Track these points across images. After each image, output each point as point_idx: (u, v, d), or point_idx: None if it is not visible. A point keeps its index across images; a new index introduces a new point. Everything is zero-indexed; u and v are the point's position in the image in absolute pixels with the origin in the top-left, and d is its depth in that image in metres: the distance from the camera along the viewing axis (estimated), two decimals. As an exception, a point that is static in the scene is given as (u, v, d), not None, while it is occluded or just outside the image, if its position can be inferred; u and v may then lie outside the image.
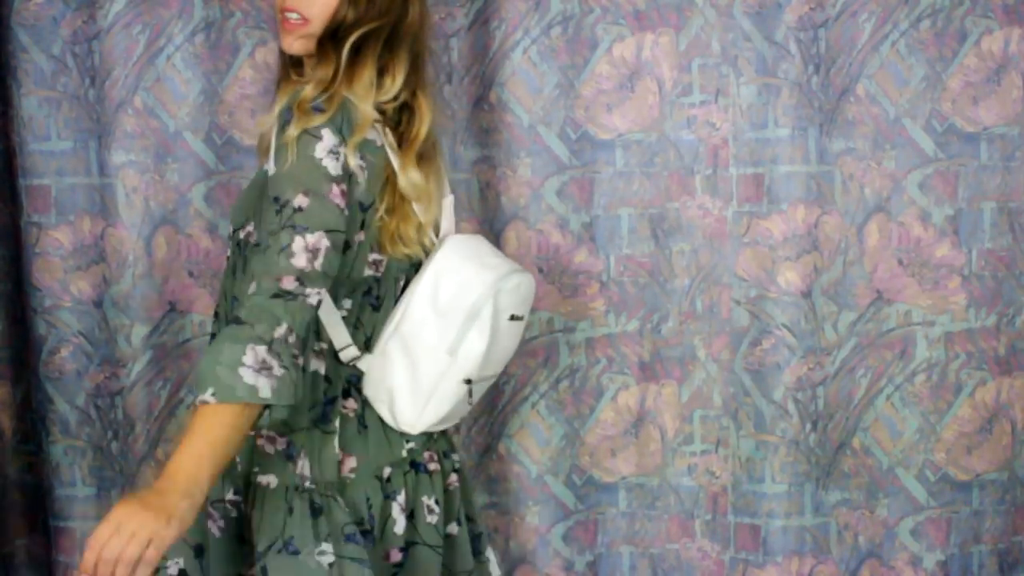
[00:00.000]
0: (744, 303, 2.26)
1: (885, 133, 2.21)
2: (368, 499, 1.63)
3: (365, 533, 1.62)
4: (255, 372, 1.39)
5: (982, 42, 2.18)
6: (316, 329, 1.60)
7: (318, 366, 1.62)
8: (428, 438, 1.71)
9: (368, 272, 1.63)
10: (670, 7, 2.21)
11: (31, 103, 2.28)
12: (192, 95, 2.26)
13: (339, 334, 1.61)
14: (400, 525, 1.65)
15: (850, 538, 2.30)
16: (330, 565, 1.59)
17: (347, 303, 1.63)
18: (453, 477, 1.75)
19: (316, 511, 1.61)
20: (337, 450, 1.63)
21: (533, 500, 2.34)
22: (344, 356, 1.62)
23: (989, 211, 2.23)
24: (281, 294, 1.44)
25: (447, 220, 1.70)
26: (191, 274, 2.29)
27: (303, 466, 1.61)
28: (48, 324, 2.32)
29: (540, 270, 2.29)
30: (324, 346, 1.61)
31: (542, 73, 2.25)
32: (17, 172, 2.31)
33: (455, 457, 1.80)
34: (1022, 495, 2.31)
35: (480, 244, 1.69)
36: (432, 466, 1.70)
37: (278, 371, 1.40)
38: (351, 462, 1.64)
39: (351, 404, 1.65)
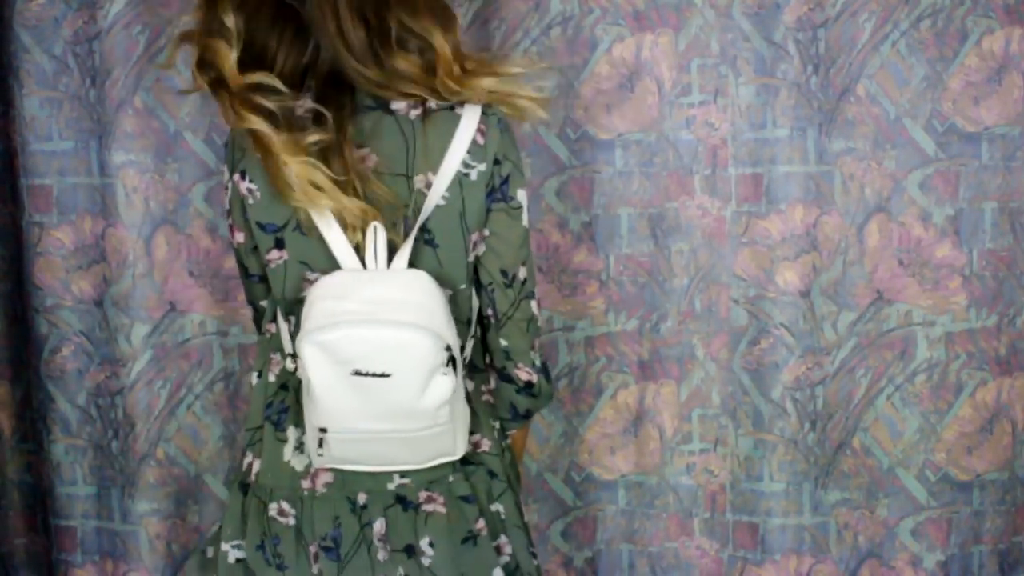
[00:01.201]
0: (743, 302, 2.26)
1: (885, 133, 2.20)
2: (337, 518, 1.62)
3: (328, 550, 1.62)
4: None
5: (983, 42, 2.16)
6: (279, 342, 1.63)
7: (274, 371, 1.63)
8: (433, 476, 1.63)
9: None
10: (669, 8, 2.20)
11: (33, 103, 2.29)
12: (192, 95, 2.26)
13: (287, 345, 1.61)
14: (383, 554, 1.63)
15: (850, 538, 2.30)
16: (238, 560, 1.64)
17: (292, 319, 1.60)
18: (480, 523, 1.64)
19: (244, 509, 1.65)
20: (287, 458, 1.63)
21: (532, 497, 2.35)
22: (288, 366, 1.61)
23: (990, 211, 2.22)
24: None
25: (371, 249, 1.53)
26: (191, 274, 2.30)
27: (248, 463, 1.66)
28: (49, 323, 2.34)
29: (540, 269, 2.29)
30: (278, 356, 1.61)
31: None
32: (19, 172, 2.33)
33: (495, 508, 1.67)
34: (1022, 495, 2.31)
35: (363, 283, 1.51)
36: (429, 506, 1.63)
37: None
38: (327, 476, 1.63)
39: None
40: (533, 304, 1.66)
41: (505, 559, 1.69)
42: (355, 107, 1.54)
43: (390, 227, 1.56)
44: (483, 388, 1.69)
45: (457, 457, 1.59)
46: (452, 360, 1.47)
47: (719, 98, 2.22)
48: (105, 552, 2.40)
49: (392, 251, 1.56)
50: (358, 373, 1.46)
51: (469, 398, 1.66)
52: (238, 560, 1.65)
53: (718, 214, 2.25)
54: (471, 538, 1.64)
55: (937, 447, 2.27)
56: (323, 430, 1.52)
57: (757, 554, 2.30)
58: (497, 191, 1.58)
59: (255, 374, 1.68)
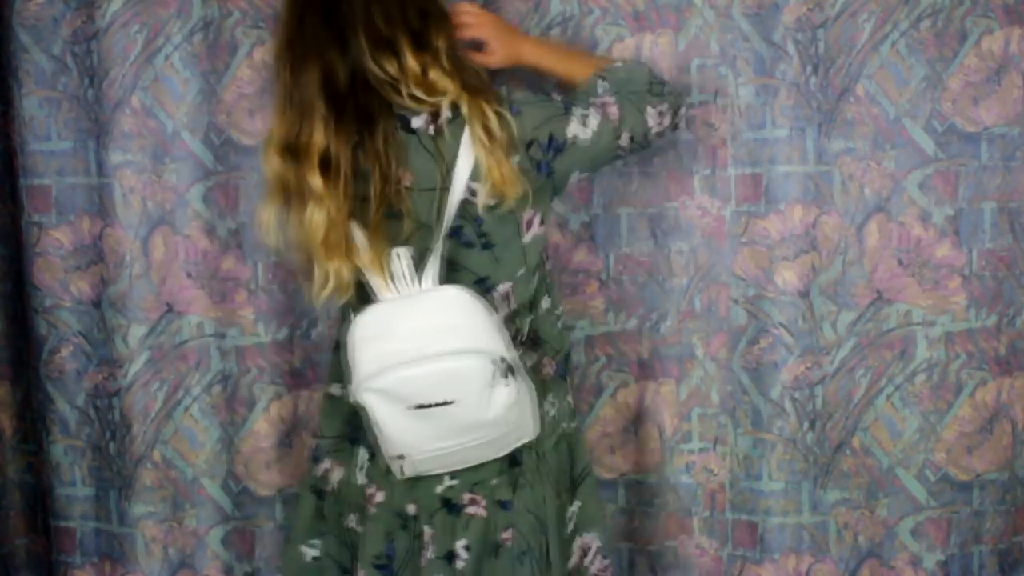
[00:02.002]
0: (742, 302, 2.26)
1: (885, 133, 2.19)
2: (390, 535, 1.68)
3: (381, 567, 1.68)
4: None
5: (982, 42, 2.16)
6: None
7: None
8: (478, 477, 1.67)
9: None
10: (669, 8, 2.20)
11: (32, 103, 2.29)
12: (190, 95, 2.25)
13: None
14: (424, 560, 1.68)
15: (849, 537, 2.30)
16: (314, 559, 1.75)
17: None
18: (508, 533, 1.68)
19: (319, 509, 1.75)
20: (356, 474, 1.72)
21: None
22: None
23: (989, 211, 2.22)
24: None
25: (399, 274, 1.60)
26: (189, 275, 2.28)
27: (325, 469, 1.76)
28: (48, 324, 2.33)
29: (540, 268, 2.29)
30: None
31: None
32: (18, 172, 2.31)
33: (526, 516, 1.69)
34: (1022, 495, 2.31)
35: (400, 316, 1.55)
36: (471, 509, 1.67)
37: None
38: (379, 496, 1.70)
39: None
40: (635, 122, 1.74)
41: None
42: (393, 130, 1.61)
43: (427, 241, 1.61)
44: (544, 361, 1.72)
45: (532, 438, 1.65)
46: (510, 368, 1.51)
47: (719, 98, 2.21)
48: (103, 554, 2.39)
49: (423, 269, 1.60)
50: (420, 407, 1.51)
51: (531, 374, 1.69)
52: (315, 558, 1.76)
53: (717, 214, 2.24)
54: (495, 548, 1.68)
55: (937, 447, 2.27)
56: (400, 456, 1.58)
57: (756, 553, 2.30)
58: (548, 154, 1.65)
59: (336, 384, 1.75)
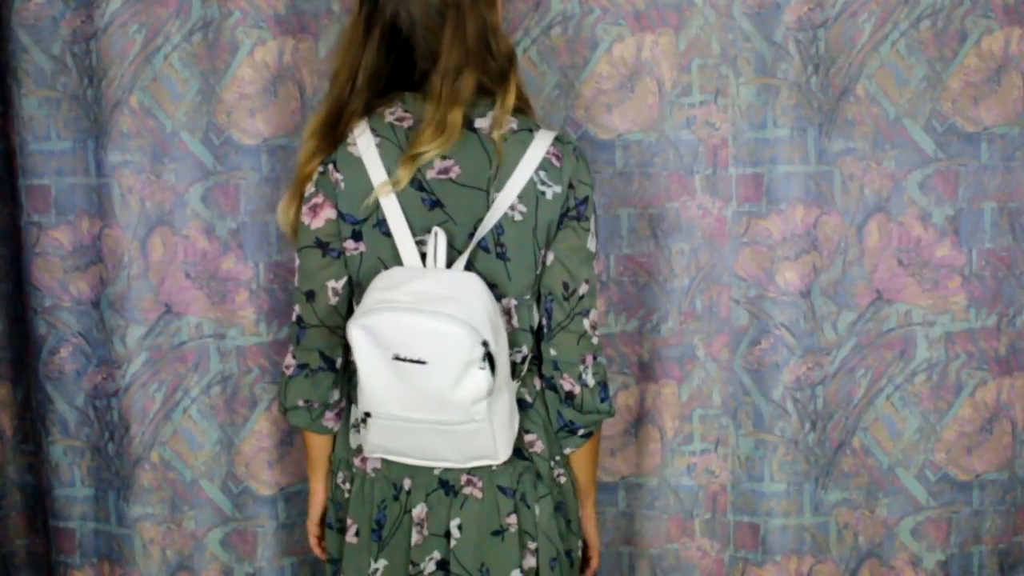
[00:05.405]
0: (743, 303, 2.26)
1: (885, 133, 2.20)
2: (383, 502, 1.73)
3: (372, 531, 1.73)
4: None
5: (982, 42, 2.17)
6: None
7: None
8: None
9: None
10: (670, 7, 2.20)
11: (31, 103, 2.28)
12: (189, 95, 2.25)
13: None
14: (417, 537, 1.71)
15: (850, 538, 2.30)
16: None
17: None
18: (512, 519, 1.70)
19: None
20: (352, 440, 1.77)
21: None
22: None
23: (989, 211, 2.22)
24: None
25: (431, 251, 1.63)
26: (187, 275, 2.28)
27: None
28: (48, 324, 2.32)
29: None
30: None
31: (542, 73, 2.24)
32: (17, 172, 2.31)
33: (536, 509, 1.72)
34: (1022, 495, 2.31)
35: (414, 278, 1.60)
36: (467, 490, 1.69)
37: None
38: (375, 462, 1.74)
39: None
40: (586, 322, 1.71)
41: (530, 562, 1.72)
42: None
43: (465, 236, 1.65)
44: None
45: (498, 461, 1.65)
46: (490, 357, 1.52)
47: (719, 98, 2.22)
48: (103, 555, 2.38)
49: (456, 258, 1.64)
50: (398, 358, 1.54)
51: (528, 403, 1.73)
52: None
53: (719, 214, 2.25)
54: (500, 532, 1.70)
55: (937, 447, 2.27)
56: (367, 415, 1.61)
57: (758, 555, 2.30)
58: (573, 210, 1.68)
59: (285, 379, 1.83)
